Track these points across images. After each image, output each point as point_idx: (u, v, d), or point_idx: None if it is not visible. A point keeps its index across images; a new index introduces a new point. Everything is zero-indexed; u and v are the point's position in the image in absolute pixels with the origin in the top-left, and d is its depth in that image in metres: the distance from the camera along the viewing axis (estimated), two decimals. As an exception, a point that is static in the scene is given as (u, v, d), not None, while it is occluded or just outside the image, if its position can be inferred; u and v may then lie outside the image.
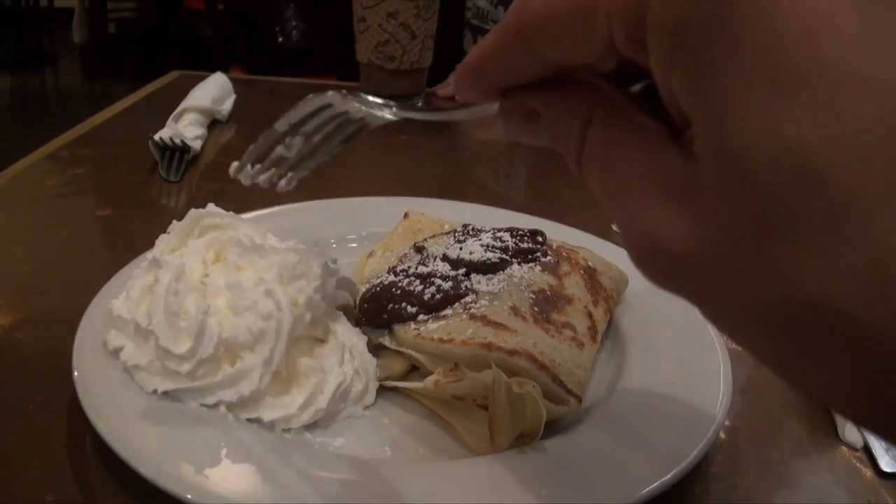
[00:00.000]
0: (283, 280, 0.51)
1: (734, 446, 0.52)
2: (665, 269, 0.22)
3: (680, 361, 0.54)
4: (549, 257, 0.60)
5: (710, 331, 0.57)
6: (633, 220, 0.22)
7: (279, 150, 0.47)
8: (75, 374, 0.48)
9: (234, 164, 0.49)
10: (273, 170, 0.48)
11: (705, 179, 0.20)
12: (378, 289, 0.56)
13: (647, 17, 0.21)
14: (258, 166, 0.48)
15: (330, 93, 0.43)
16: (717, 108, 0.19)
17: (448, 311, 0.53)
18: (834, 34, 0.18)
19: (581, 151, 0.25)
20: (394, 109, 0.41)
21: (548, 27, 0.24)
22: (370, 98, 0.41)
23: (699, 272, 0.21)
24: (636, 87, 0.25)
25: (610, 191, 0.24)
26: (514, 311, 0.53)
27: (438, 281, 0.55)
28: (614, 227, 0.81)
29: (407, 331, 0.52)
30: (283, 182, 0.49)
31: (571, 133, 0.25)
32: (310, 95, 0.43)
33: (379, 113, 0.41)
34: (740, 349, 0.63)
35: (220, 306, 0.50)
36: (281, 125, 0.45)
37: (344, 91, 0.42)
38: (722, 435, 0.52)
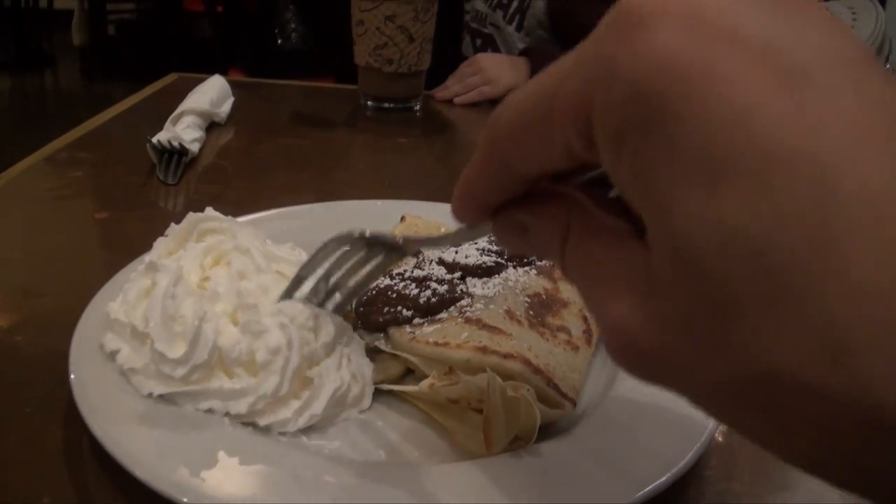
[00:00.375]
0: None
1: (729, 449, 0.52)
2: (637, 360, 0.23)
3: (675, 365, 0.54)
4: (544, 261, 0.60)
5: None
6: (605, 315, 0.23)
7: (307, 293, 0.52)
8: (72, 376, 0.48)
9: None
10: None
11: (658, 270, 0.21)
12: (374, 292, 0.56)
13: (594, 123, 0.22)
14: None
15: (340, 239, 0.48)
16: (659, 202, 0.20)
17: (443, 315, 0.53)
18: (764, 117, 0.18)
19: (564, 257, 0.27)
20: (406, 246, 0.45)
21: (514, 141, 0.26)
22: (386, 238, 0.46)
23: (666, 359, 0.22)
24: (614, 193, 0.27)
25: (586, 290, 0.25)
26: (510, 314, 0.53)
27: (434, 284, 0.55)
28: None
29: (402, 334, 0.53)
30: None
31: (555, 241, 0.27)
32: (324, 243, 0.49)
33: (394, 253, 0.46)
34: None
35: (218, 312, 0.50)
36: (305, 272, 0.51)
37: (356, 233, 0.47)
38: (717, 438, 0.52)
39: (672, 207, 0.20)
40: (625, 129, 0.21)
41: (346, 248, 0.49)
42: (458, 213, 0.31)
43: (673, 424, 0.48)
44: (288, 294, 0.52)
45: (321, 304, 0.52)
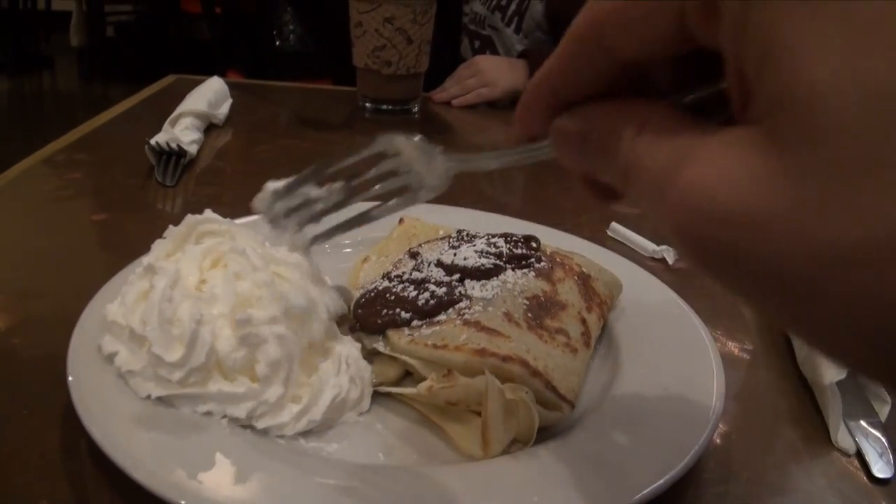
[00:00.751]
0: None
1: (727, 452, 0.52)
2: (721, 221, 0.22)
3: (673, 367, 0.54)
4: (542, 263, 0.60)
5: (704, 336, 0.57)
6: (692, 176, 0.22)
7: (316, 191, 0.46)
8: (70, 379, 0.48)
9: (257, 198, 0.48)
10: (295, 218, 0.47)
11: (779, 130, 0.21)
12: (372, 294, 0.56)
13: None
14: (281, 205, 0.46)
15: (386, 139, 0.43)
16: (794, 56, 0.20)
17: (442, 317, 0.53)
18: None
19: (631, 154, 0.26)
20: (452, 164, 0.41)
21: (621, 15, 0.25)
22: (432, 147, 0.41)
23: (764, 220, 0.21)
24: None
25: (662, 175, 0.24)
26: (508, 316, 0.53)
27: (432, 287, 0.55)
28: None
29: (401, 336, 0.53)
30: (301, 237, 0.48)
31: (627, 131, 0.26)
32: (372, 141, 0.43)
33: (434, 173, 0.41)
34: (734, 354, 0.63)
35: (215, 314, 0.49)
36: (329, 167, 0.45)
37: (411, 139, 0.43)
38: (716, 440, 0.52)
39: (808, 58, 0.20)
40: None
41: (384, 156, 0.44)
42: (523, 117, 0.30)
43: (671, 427, 0.48)
44: (286, 191, 0.46)
45: (301, 227, 0.47)
